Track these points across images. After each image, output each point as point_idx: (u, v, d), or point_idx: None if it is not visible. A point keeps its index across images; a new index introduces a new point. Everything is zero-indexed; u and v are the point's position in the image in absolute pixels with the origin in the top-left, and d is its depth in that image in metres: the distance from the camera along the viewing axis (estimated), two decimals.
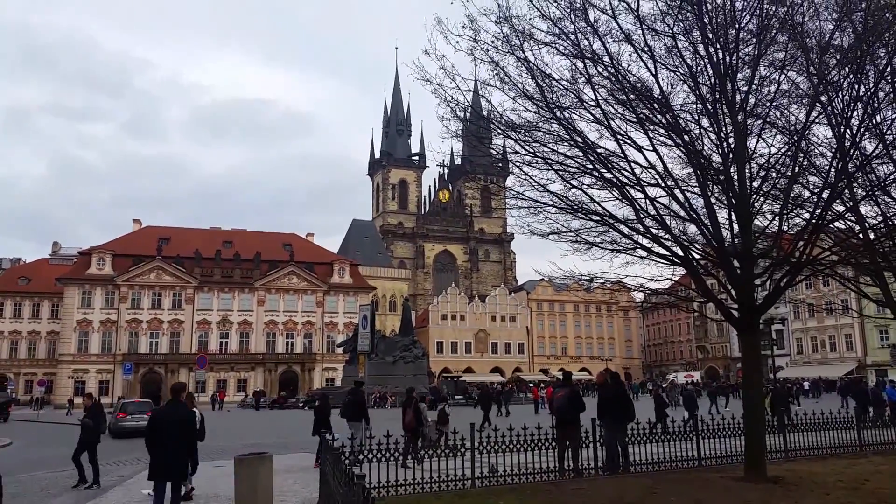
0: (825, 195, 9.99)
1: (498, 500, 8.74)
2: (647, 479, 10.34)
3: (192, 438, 8.24)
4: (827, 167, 10.45)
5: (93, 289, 67.27)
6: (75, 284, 66.86)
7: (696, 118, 10.38)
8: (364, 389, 17.17)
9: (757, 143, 10.52)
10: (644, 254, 10.76)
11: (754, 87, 9.98)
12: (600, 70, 10.03)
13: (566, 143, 10.50)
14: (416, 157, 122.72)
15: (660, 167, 10.26)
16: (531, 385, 58.05)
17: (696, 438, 11.60)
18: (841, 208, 11.12)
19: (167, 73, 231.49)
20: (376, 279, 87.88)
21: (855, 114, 9.69)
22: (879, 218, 12.06)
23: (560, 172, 10.70)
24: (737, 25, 9.61)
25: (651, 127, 10.23)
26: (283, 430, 27.14)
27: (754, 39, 9.65)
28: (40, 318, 71.93)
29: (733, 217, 10.22)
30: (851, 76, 9.35)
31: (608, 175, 10.36)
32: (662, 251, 10.61)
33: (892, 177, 10.97)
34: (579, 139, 10.29)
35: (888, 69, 9.47)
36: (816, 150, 11.14)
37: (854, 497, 8.83)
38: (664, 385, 39.01)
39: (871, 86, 9.56)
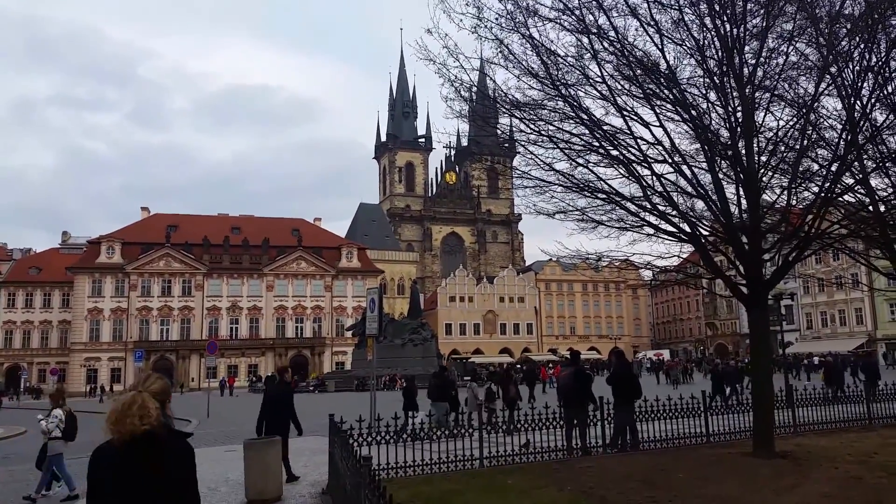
0: (834, 168, 9.86)
1: (506, 480, 8.77)
2: (655, 455, 10.35)
3: (289, 408, 10.09)
4: (836, 140, 10.30)
5: (103, 277, 67.72)
6: (85, 273, 67.32)
7: (704, 92, 10.23)
8: (448, 374, 18.43)
9: (765, 116, 10.38)
10: (651, 231, 10.68)
11: (762, 59, 9.80)
12: (606, 45, 9.87)
13: (572, 121, 10.38)
14: (423, 140, 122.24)
15: (667, 143, 10.15)
16: (539, 364, 58.11)
17: (705, 415, 11.59)
18: (850, 181, 10.97)
19: (171, 62, 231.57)
20: (384, 262, 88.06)
21: (865, 84, 9.52)
22: (890, 190, 11.91)
23: (566, 150, 10.59)
24: None
25: (658, 102, 10.09)
26: None
27: (762, 10, 9.47)
28: (51, 308, 72.53)
29: (741, 192, 10.11)
30: (862, 46, 9.17)
31: (614, 152, 10.25)
32: (670, 228, 10.52)
33: None
34: (585, 116, 10.16)
35: None
36: (826, 123, 10.98)
37: (863, 470, 8.80)
38: (717, 361, 38.90)
39: (883, 55, 9.37)
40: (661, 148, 10.18)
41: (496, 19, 10.03)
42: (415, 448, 9.44)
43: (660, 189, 10.25)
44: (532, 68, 10.23)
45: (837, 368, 22.42)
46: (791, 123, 10.25)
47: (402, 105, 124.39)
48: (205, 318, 69.87)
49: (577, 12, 9.70)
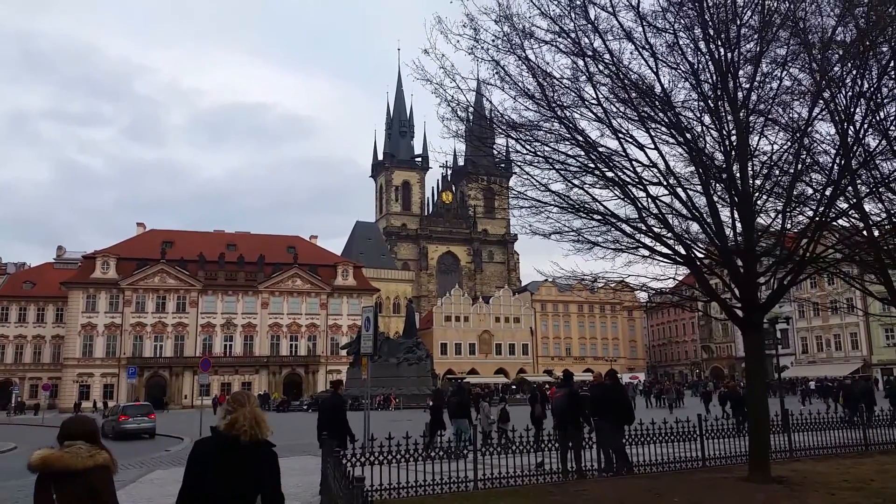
0: (828, 192, 9.92)
1: (500, 502, 8.68)
2: (650, 479, 10.27)
3: (342, 419, 10.71)
4: (830, 164, 10.38)
5: (97, 293, 67.40)
6: (80, 288, 67.01)
7: (698, 116, 10.33)
8: (467, 391, 18.89)
9: (759, 140, 10.46)
10: (647, 253, 10.70)
11: (756, 83, 9.91)
12: (601, 68, 9.99)
13: (567, 142, 10.45)
14: (419, 159, 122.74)
15: (662, 165, 10.22)
16: (534, 385, 57.84)
17: (701, 439, 11.52)
18: (844, 205, 11.03)
19: (167, 78, 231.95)
20: (380, 281, 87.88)
21: (858, 110, 9.62)
22: (883, 215, 11.98)
23: (562, 172, 10.66)
24: (738, 21, 9.55)
25: (653, 125, 10.17)
26: (286, 433, 27.05)
27: (756, 35, 9.59)
28: (45, 323, 71.98)
29: (736, 215, 10.16)
30: (854, 72, 9.28)
31: (610, 174, 10.31)
32: (665, 250, 10.55)
33: (895, 173, 10.90)
34: (580, 138, 10.24)
35: (891, 64, 9.40)
36: (819, 147, 11.08)
37: (859, 496, 8.74)
38: (740, 383, 38.76)
39: (875, 81, 9.49)
40: (656, 170, 10.26)
41: (493, 41, 10.16)
42: (408, 469, 9.35)
43: (655, 211, 10.30)
44: (528, 90, 10.34)
45: (855, 393, 22.29)
46: (785, 147, 10.33)
47: (399, 124, 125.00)
48: (199, 334, 69.46)
49: (573, 35, 9.83)
